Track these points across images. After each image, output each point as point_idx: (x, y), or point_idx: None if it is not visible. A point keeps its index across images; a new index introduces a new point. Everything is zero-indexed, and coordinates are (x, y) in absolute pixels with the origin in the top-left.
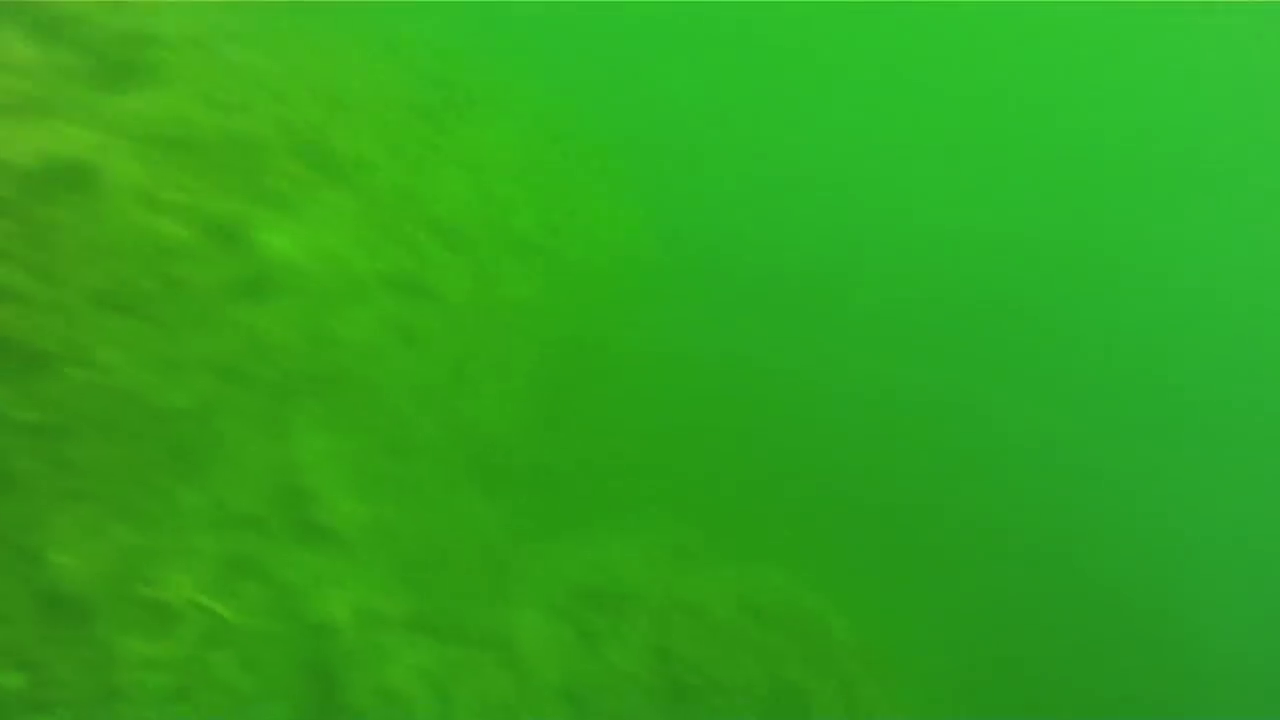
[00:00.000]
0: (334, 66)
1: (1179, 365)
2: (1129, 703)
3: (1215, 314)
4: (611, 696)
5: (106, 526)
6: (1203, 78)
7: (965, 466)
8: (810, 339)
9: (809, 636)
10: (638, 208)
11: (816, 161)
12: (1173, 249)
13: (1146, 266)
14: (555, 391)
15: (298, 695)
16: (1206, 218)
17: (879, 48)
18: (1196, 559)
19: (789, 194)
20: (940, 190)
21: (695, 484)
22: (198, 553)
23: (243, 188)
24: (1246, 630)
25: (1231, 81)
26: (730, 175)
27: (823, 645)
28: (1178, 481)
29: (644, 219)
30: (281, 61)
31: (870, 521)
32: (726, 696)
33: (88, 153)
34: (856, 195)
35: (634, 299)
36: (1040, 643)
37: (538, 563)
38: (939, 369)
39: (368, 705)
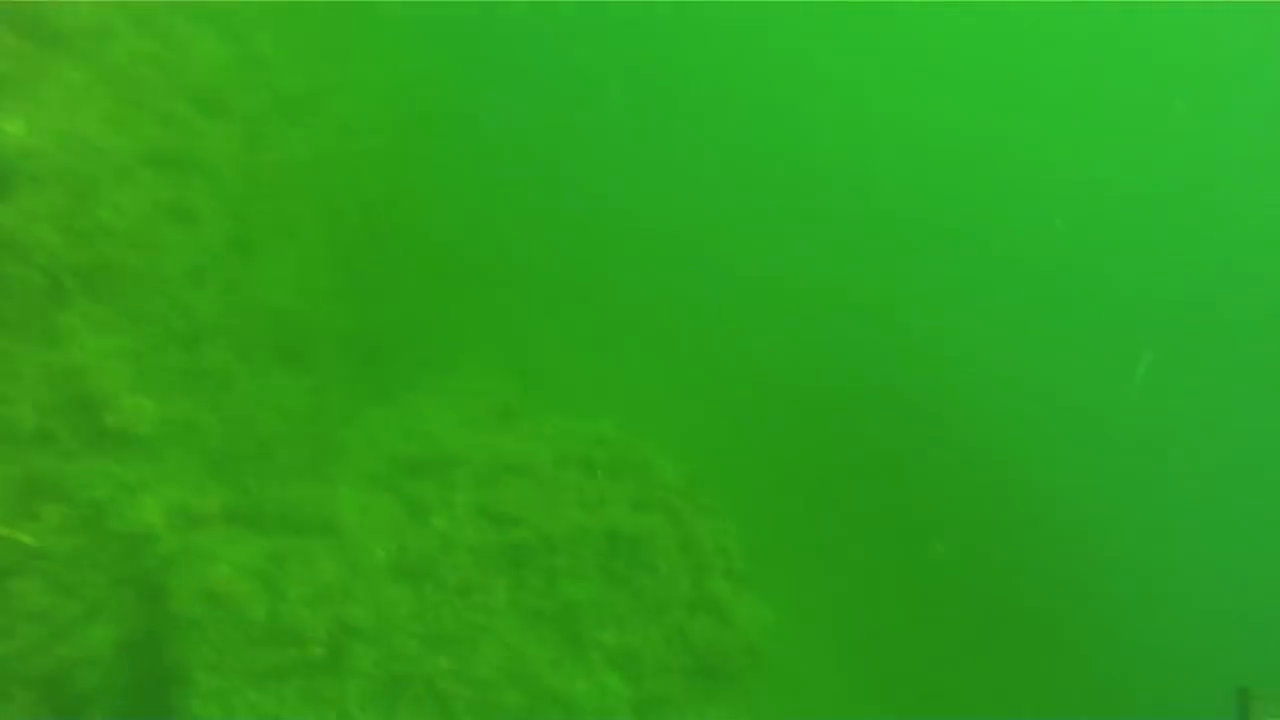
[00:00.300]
0: None
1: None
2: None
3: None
4: (445, 566)
5: None
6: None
7: (792, 306)
8: (623, 181)
9: (639, 483)
10: (414, 57)
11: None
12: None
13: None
14: (347, 256)
15: (121, 611)
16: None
17: None
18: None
19: (572, 37)
20: None
21: (511, 339)
22: None
23: None
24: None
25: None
26: (511, 19)
27: (653, 490)
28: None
29: (422, 68)
30: None
31: (693, 365)
32: (563, 551)
33: None
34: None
35: (420, 153)
36: (875, 475)
37: (353, 438)
38: (772, 212)
39: (196, 611)
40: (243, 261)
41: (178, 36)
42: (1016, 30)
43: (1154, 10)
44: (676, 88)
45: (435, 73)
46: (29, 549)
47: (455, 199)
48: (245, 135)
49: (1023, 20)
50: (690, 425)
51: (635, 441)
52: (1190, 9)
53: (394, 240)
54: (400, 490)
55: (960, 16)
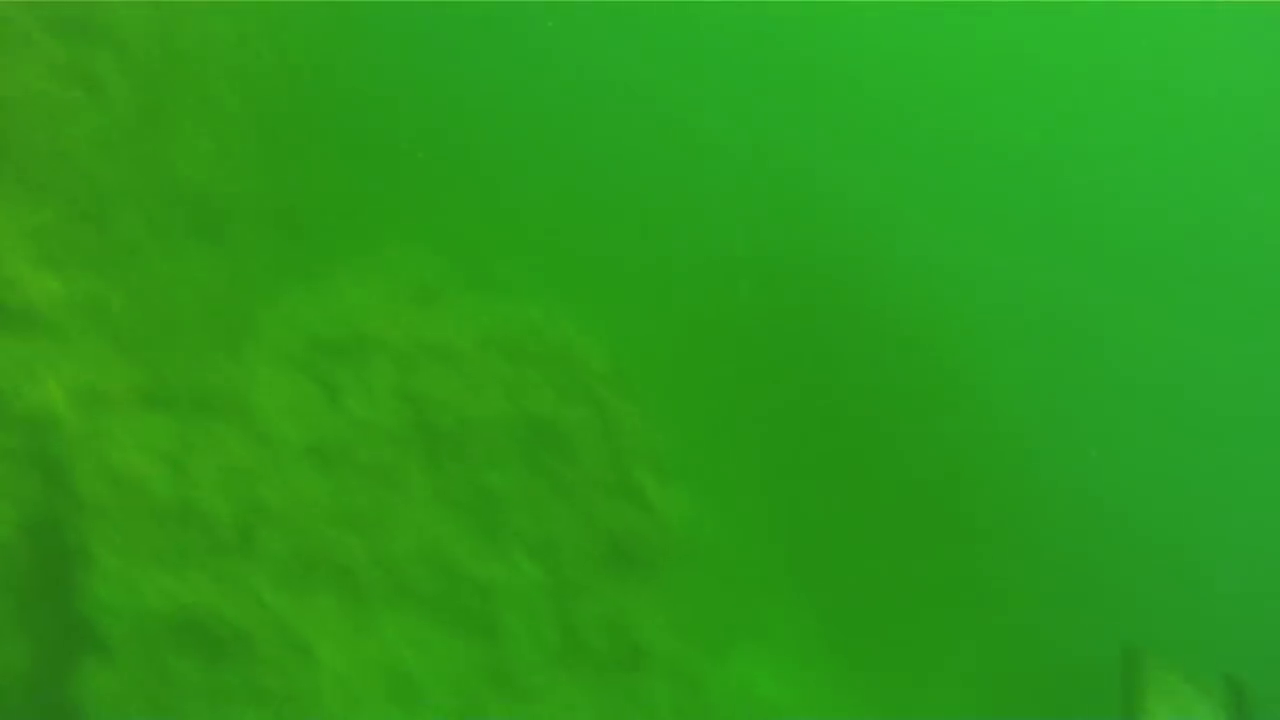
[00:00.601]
0: None
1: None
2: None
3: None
4: (361, 450)
5: None
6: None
7: (729, 192)
8: (556, 57)
9: (562, 368)
10: None
11: None
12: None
13: None
14: (266, 129)
15: (24, 495)
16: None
17: None
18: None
19: None
20: None
21: (437, 217)
22: None
23: None
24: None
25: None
26: None
27: (577, 376)
28: None
29: None
30: None
31: (624, 249)
32: (483, 437)
33: None
34: None
35: (346, 24)
36: (809, 366)
37: (270, 317)
38: (714, 93)
39: (102, 494)
40: (156, 133)
41: None
42: None
43: None
44: None
45: None
46: None
47: (382, 73)
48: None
49: None
50: (619, 311)
51: (561, 326)
52: None
53: (318, 114)
54: (317, 372)
55: None
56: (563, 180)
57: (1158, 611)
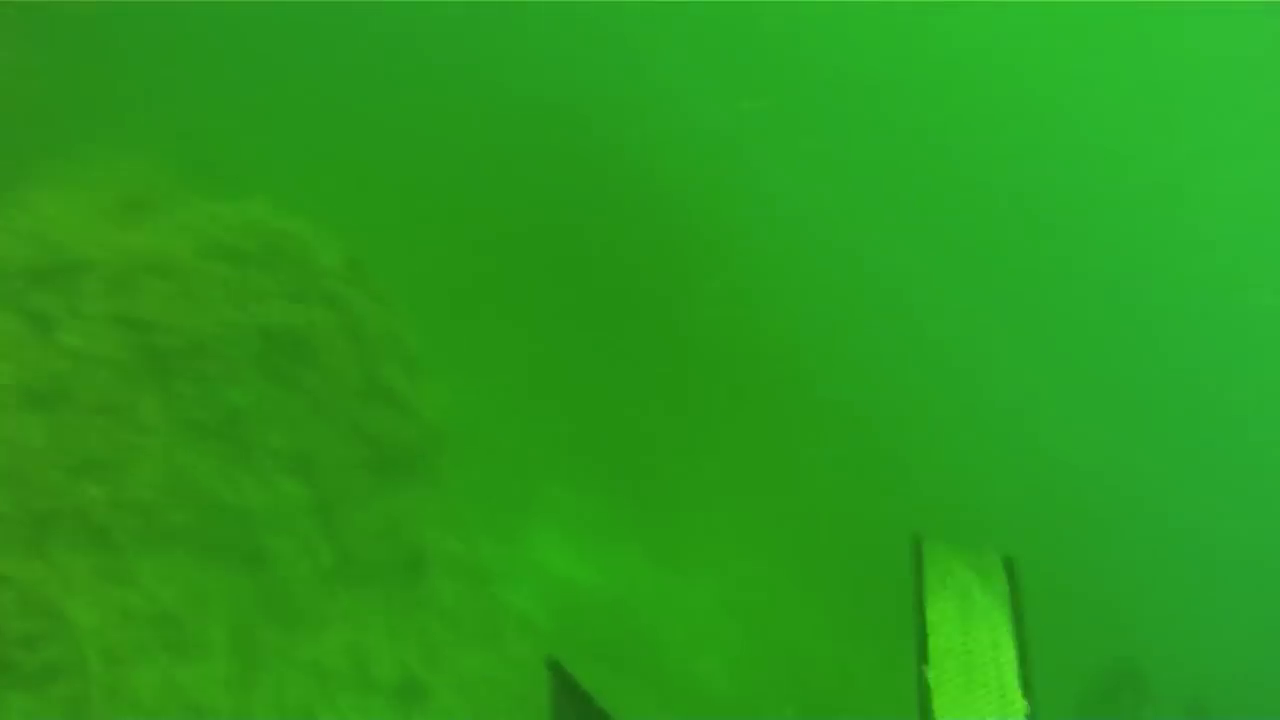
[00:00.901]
0: None
1: None
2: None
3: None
4: (81, 386)
5: None
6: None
7: (463, 66)
8: None
9: (294, 269)
10: None
11: None
12: None
13: None
14: None
15: None
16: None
17: None
18: None
19: None
20: None
21: (142, 115)
22: None
23: None
24: None
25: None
26: None
27: (311, 276)
28: None
29: None
30: None
31: (353, 132)
32: (216, 355)
33: None
34: None
35: None
36: (558, 241)
37: None
38: None
39: None
40: None
41: None
42: None
43: None
44: None
45: None
46: None
47: None
48: None
49: None
50: (352, 201)
51: (290, 223)
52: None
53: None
54: (19, 304)
55: None
56: (289, 64)
57: (945, 499)
